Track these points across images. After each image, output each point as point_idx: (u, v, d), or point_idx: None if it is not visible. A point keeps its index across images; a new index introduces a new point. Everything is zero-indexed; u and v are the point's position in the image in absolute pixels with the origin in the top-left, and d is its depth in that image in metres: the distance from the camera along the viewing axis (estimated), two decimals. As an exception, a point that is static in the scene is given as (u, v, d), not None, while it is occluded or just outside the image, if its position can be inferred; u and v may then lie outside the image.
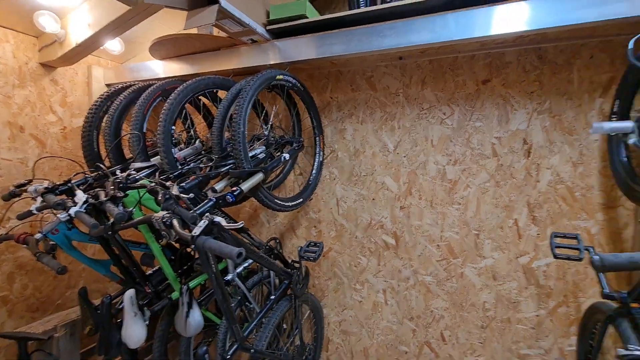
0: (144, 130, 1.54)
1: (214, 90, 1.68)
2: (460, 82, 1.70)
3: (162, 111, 1.43)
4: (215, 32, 1.91)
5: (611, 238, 1.51)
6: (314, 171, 1.84)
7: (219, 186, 1.29)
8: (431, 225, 1.80)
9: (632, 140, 1.11)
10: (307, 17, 1.48)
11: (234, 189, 1.20)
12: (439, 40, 1.31)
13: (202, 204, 1.12)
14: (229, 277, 1.52)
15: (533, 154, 1.59)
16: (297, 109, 1.84)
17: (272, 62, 1.65)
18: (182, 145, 1.75)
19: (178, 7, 1.28)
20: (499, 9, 1.26)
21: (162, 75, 1.97)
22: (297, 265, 1.69)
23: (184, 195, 1.08)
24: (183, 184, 1.23)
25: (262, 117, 1.80)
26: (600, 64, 1.47)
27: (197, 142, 1.72)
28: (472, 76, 1.67)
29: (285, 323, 1.82)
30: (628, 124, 1.11)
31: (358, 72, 1.88)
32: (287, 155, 1.49)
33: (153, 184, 1.16)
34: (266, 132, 1.62)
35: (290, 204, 1.60)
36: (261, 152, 1.53)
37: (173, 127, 1.48)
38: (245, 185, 1.23)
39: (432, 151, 1.77)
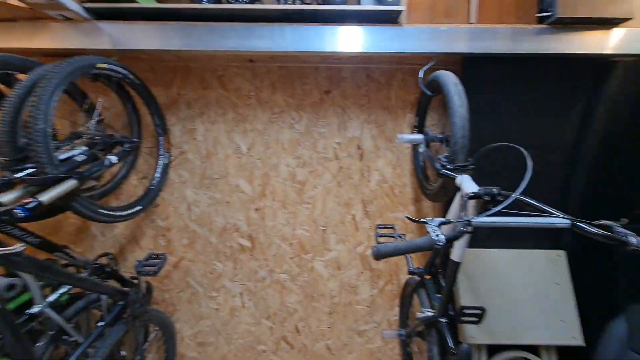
0: None
1: (10, 74, 1.31)
2: (307, 91, 1.83)
3: None
4: None
5: (419, 225, 1.91)
6: (157, 175, 1.66)
7: (7, 197, 1.00)
8: (284, 224, 1.88)
9: (421, 149, 1.42)
10: (136, 1, 1.30)
11: (28, 200, 0.95)
12: (277, 49, 1.37)
13: (-31, 223, 0.85)
14: (35, 309, 1.22)
15: (365, 157, 1.85)
16: (133, 104, 1.61)
17: (97, 47, 1.40)
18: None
19: None
20: (329, 29, 1.40)
21: None
22: (135, 282, 1.49)
23: None
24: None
25: (85, 111, 1.50)
26: (409, 86, 1.82)
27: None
28: (317, 86, 1.82)
29: (125, 350, 1.58)
30: (419, 137, 1.42)
31: (208, 69, 1.80)
32: (114, 158, 1.29)
33: None
34: (92, 130, 1.36)
35: (123, 213, 1.39)
36: (81, 154, 1.27)
37: None
38: (47, 196, 1.00)
39: (283, 154, 1.85)
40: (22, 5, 1.28)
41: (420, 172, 1.65)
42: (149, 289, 1.55)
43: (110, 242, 1.86)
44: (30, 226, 1.19)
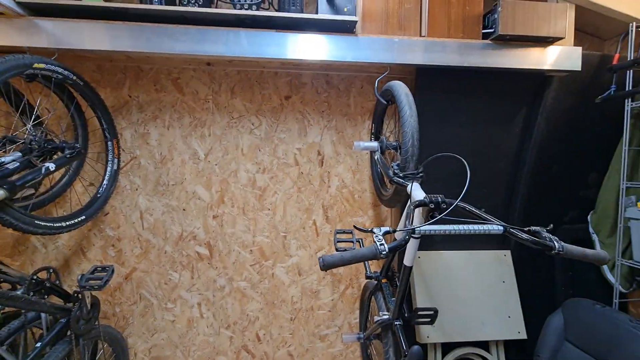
0: None
1: None
2: (267, 96, 1.81)
3: None
4: None
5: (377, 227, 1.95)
6: (105, 182, 1.56)
7: None
8: (244, 231, 1.85)
9: (377, 156, 1.46)
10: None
11: (-58, 214, 0.86)
12: (232, 54, 1.35)
13: None
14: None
15: (325, 163, 1.87)
16: (77, 106, 1.51)
17: (35, 45, 1.29)
18: None
19: None
20: (286, 37, 1.40)
21: None
22: (79, 297, 1.39)
23: None
24: None
25: (21, 114, 1.38)
26: (367, 93, 1.87)
27: None
28: (277, 91, 1.81)
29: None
30: (374, 144, 1.46)
31: (163, 71, 1.73)
32: (51, 166, 1.20)
33: None
34: (28, 134, 1.26)
35: (64, 224, 1.30)
36: (13, 161, 1.17)
37: None
38: (-33, 209, 0.91)
39: (242, 159, 1.82)
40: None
41: (377, 179, 1.69)
42: (95, 304, 1.46)
43: (53, 254, 1.73)
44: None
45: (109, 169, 1.58)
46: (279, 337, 1.91)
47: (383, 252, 0.74)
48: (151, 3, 1.34)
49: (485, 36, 1.55)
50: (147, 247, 1.79)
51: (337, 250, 1.57)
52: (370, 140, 1.73)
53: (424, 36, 1.51)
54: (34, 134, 1.25)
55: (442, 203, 0.93)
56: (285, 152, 1.84)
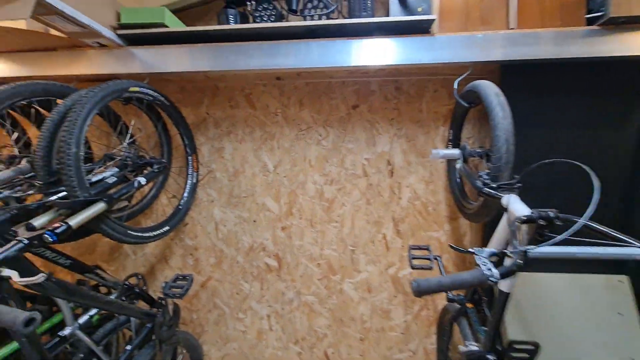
0: None
1: (51, 100, 1.37)
2: (334, 106, 1.78)
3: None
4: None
5: (455, 244, 1.77)
6: (185, 194, 1.66)
7: (39, 221, 1.02)
8: (312, 244, 1.81)
9: (458, 165, 1.32)
10: (166, 26, 1.33)
11: (57, 224, 0.96)
12: (303, 65, 1.34)
13: (3, 249, 0.86)
14: (67, 331, 1.22)
15: (395, 173, 1.76)
16: (164, 125, 1.64)
17: (130, 72, 1.44)
18: (2, 166, 1.38)
19: (-24, -8, 0.99)
20: (356, 43, 1.36)
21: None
22: (163, 303, 1.47)
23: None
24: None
25: (118, 133, 1.54)
26: (441, 97, 1.73)
27: (24, 161, 1.37)
28: (344, 101, 1.77)
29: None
30: (456, 152, 1.32)
31: (236, 88, 1.81)
32: (142, 180, 1.29)
33: None
34: (123, 151, 1.39)
35: (151, 234, 1.39)
36: (112, 176, 1.29)
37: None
38: (76, 220, 1.00)
39: (310, 171, 1.80)
40: (61, 35, 1.35)
41: (457, 190, 1.53)
42: (177, 311, 1.53)
43: (141, 260, 1.88)
44: (67, 245, 1.21)
45: (188, 182, 1.68)
46: (348, 358, 1.82)
47: (493, 278, 0.62)
48: (228, 23, 1.41)
49: (590, 22, 1.32)
50: (221, 257, 1.85)
51: (412, 267, 1.45)
52: (447, 147, 1.58)
53: (512, 29, 1.34)
54: (128, 151, 1.38)
55: (556, 219, 0.77)
56: (354, 162, 1.78)
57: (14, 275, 0.73)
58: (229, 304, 1.86)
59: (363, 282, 1.80)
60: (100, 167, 1.35)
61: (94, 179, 1.24)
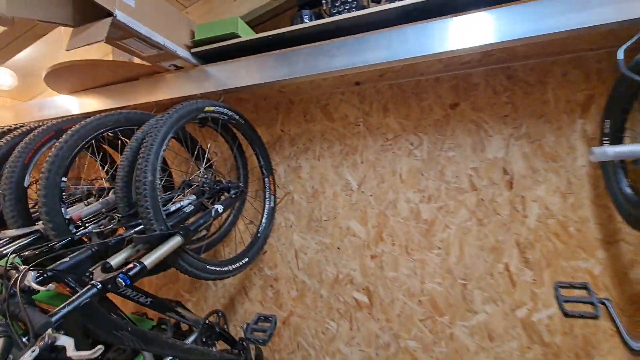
0: (27, 185, 1.16)
1: (133, 129, 1.35)
2: (427, 108, 1.48)
3: (47, 159, 1.07)
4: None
5: (617, 279, 1.28)
6: (263, 220, 1.50)
7: (116, 260, 0.92)
8: (409, 275, 1.49)
9: (643, 166, 0.90)
10: (239, 36, 1.22)
11: (130, 265, 0.83)
12: (397, 57, 1.08)
13: (75, 296, 0.75)
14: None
15: (516, 185, 1.37)
16: (239, 146, 1.53)
17: (203, 92, 1.36)
18: (92, 199, 1.38)
19: (60, 22, 0.97)
20: (463, 19, 1.06)
21: (77, 112, 1.62)
22: (244, 345, 1.30)
23: (40, 287, 0.70)
24: (59, 263, 0.85)
25: (195, 157, 1.46)
26: (575, 81, 1.31)
27: (111, 193, 1.35)
28: (439, 100, 1.47)
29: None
30: (636, 148, 0.90)
31: (311, 100, 1.63)
32: (219, 207, 1.15)
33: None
34: (200, 177, 1.29)
35: (230, 267, 1.24)
36: (189, 204, 1.18)
37: (64, 179, 1.11)
38: (151, 259, 0.87)
39: (402, 187, 1.51)
40: (142, 63, 1.33)
41: (625, 200, 1.08)
42: (259, 355, 1.34)
43: (221, 292, 1.77)
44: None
45: (266, 206, 1.52)
46: None
47: None
48: (302, 21, 1.24)
49: None
50: (302, 290, 1.64)
51: (565, 315, 1.04)
52: (602, 143, 1.15)
53: None
54: (205, 176, 1.27)
55: None
56: (456, 174, 1.44)
57: (68, 347, 0.59)
58: (314, 345, 1.62)
59: (481, 327, 1.40)
60: (179, 195, 1.26)
61: (172, 208, 1.13)
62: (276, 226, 1.67)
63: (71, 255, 0.89)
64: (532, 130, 1.36)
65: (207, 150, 1.46)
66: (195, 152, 1.47)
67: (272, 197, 1.55)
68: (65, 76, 1.37)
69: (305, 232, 1.64)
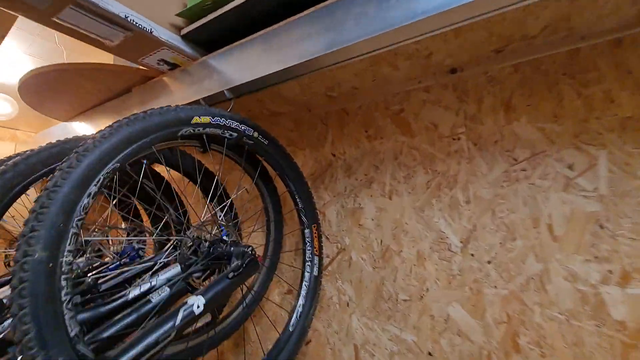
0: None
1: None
2: (598, 98, 0.78)
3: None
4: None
5: None
6: (300, 301, 0.92)
7: None
8: None
9: None
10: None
11: None
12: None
13: None
14: None
15: None
16: (266, 178, 1.00)
17: (205, 95, 0.89)
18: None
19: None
20: None
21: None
22: None
23: None
24: None
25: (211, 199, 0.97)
26: None
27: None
28: (624, 83, 0.76)
29: None
30: None
31: (377, 105, 1.06)
32: (198, 302, 0.59)
33: None
34: (191, 235, 0.78)
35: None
36: (164, 285, 0.67)
37: None
38: None
39: (555, 250, 0.79)
40: (132, 65, 0.92)
41: None
42: None
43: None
44: None
45: (306, 276, 0.94)
46: None
47: None
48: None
49: None
50: (369, 417, 0.98)
51: None
52: None
53: None
54: (193, 235, 0.75)
55: None
56: (690, 226, 0.68)
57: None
58: None
59: None
60: (162, 265, 0.76)
61: (132, 294, 0.63)
62: (324, 301, 1.07)
63: None
64: None
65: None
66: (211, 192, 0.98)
67: (316, 258, 0.97)
68: (43, 94, 1.04)
69: (370, 317, 1.00)
